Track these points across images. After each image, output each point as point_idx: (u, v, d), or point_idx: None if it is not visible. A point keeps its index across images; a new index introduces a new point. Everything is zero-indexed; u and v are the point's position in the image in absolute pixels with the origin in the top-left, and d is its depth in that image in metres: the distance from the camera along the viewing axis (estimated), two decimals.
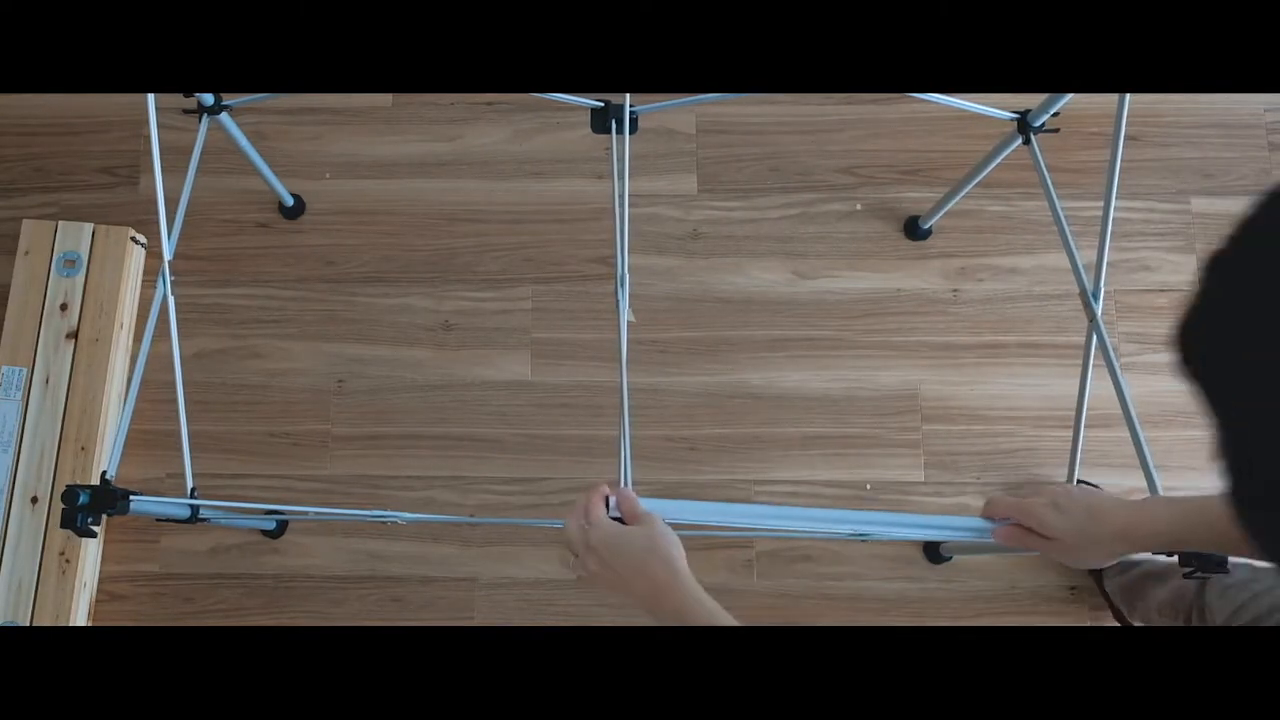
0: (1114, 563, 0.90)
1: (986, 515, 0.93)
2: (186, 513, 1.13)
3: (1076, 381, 1.17)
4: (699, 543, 1.57)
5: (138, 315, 1.68)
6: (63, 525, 1.02)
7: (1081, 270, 1.20)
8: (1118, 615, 1.48)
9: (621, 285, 1.13)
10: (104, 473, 1.07)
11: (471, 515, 1.60)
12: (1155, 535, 0.85)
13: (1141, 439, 1.07)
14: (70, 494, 1.02)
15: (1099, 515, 0.85)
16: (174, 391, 1.21)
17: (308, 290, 1.69)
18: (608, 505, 0.88)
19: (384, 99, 1.77)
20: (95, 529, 1.03)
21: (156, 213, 1.19)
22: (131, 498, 1.05)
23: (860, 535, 0.96)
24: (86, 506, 1.02)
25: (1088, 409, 1.16)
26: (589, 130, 1.30)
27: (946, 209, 1.60)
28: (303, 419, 1.64)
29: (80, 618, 1.52)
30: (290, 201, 1.69)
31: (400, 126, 1.76)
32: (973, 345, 1.65)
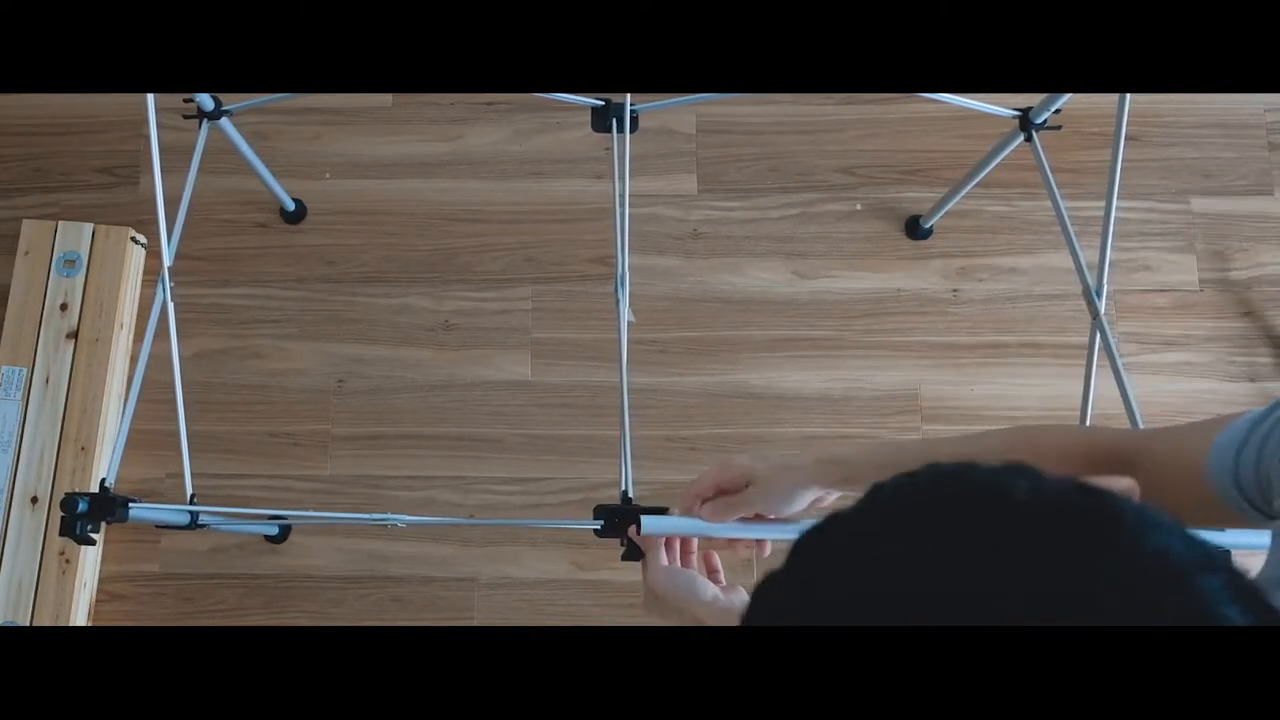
0: (809, 504, 0.80)
1: (692, 499, 0.86)
2: (186, 519, 1.12)
3: (1076, 382, 1.17)
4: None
5: (138, 315, 1.68)
6: (62, 533, 1.01)
7: (1085, 267, 1.20)
8: None
9: (621, 285, 1.13)
10: (103, 480, 1.07)
11: (471, 515, 1.60)
12: (848, 462, 0.76)
13: None
14: (69, 501, 1.01)
15: (808, 448, 0.78)
16: (173, 391, 1.21)
17: (308, 290, 1.69)
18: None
19: (384, 99, 1.77)
20: (94, 536, 1.03)
21: (157, 217, 1.19)
22: (130, 505, 1.05)
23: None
24: (85, 514, 1.02)
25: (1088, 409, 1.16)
26: (589, 130, 1.30)
27: (948, 208, 1.60)
28: (303, 419, 1.64)
29: (80, 618, 1.52)
30: (291, 207, 1.69)
31: (400, 126, 1.76)
32: (973, 345, 1.65)
